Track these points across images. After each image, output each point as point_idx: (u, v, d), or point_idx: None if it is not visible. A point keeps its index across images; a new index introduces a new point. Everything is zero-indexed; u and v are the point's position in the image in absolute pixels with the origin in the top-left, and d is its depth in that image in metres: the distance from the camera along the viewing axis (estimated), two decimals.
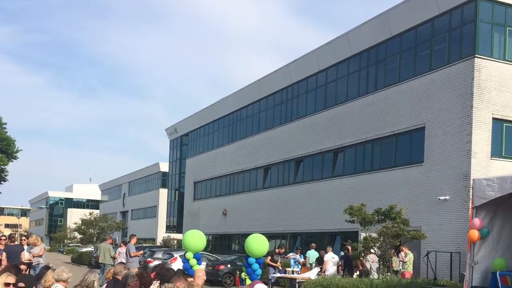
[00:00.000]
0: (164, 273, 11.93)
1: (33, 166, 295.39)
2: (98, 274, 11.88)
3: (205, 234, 22.78)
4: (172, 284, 8.88)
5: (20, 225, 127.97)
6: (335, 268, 25.94)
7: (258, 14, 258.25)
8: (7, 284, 8.45)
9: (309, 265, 29.09)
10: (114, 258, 26.45)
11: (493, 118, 26.63)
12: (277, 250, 27.20)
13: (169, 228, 70.21)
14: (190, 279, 10.91)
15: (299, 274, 25.36)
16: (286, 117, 42.75)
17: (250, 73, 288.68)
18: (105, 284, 11.91)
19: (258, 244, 20.60)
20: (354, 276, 23.64)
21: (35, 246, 20.49)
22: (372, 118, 32.79)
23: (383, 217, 24.50)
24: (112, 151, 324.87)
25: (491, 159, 26.44)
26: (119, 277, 11.10)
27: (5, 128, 65.17)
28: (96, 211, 73.02)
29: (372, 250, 25.39)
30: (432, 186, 27.81)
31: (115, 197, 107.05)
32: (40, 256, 20.43)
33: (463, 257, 23.99)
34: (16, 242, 20.59)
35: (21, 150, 67.26)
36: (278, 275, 25.10)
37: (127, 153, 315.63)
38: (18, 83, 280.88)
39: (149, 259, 35.75)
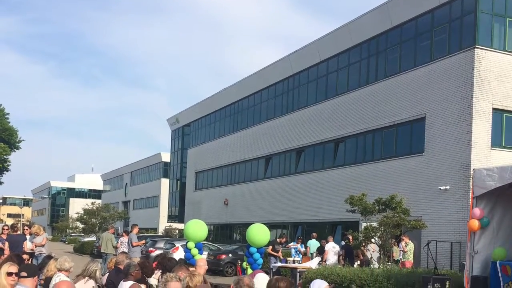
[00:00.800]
0: (166, 263, 12.04)
1: (36, 156, 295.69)
2: (100, 263, 11.96)
3: (206, 224, 22.94)
4: (173, 273, 8.95)
5: (23, 214, 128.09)
6: (336, 257, 26.02)
7: (259, 5, 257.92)
8: (9, 274, 8.50)
9: (310, 255, 29.18)
10: (116, 248, 26.52)
11: (493, 109, 26.70)
12: (278, 240, 27.26)
13: (170, 218, 70.35)
14: (191, 269, 10.98)
15: (300, 263, 25.40)
16: (287, 108, 42.81)
17: (252, 64, 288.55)
18: (107, 274, 11.98)
19: (259, 233, 20.74)
20: (355, 265, 23.68)
21: (38, 235, 20.57)
22: (373, 109, 32.86)
23: (383, 207, 24.55)
24: (114, 141, 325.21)
25: (491, 149, 26.51)
26: (121, 267, 11.18)
27: (7, 118, 65.30)
28: (98, 201, 73.14)
29: (372, 240, 25.46)
30: (433, 176, 27.88)
31: (117, 187, 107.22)
32: (43, 245, 20.52)
33: (463, 246, 24.09)
34: (18, 232, 20.66)
35: (23, 140, 67.54)
36: (279, 264, 25.17)
37: (129, 143, 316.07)
38: (20, 73, 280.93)
39: (151, 248, 35.87)
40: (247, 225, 24.20)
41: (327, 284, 7.94)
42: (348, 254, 25.66)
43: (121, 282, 10.26)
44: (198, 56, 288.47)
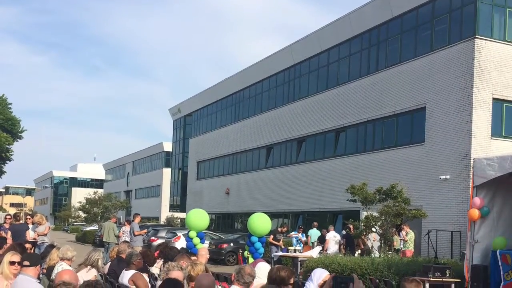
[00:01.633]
0: (168, 252, 12.12)
1: (38, 145, 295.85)
2: (103, 252, 12.06)
3: (208, 213, 23.05)
4: (175, 262, 9.04)
5: (25, 204, 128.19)
6: (336, 246, 26.12)
7: None
8: (12, 263, 8.58)
9: (311, 244, 29.28)
10: (118, 237, 26.60)
11: (493, 98, 26.75)
12: (279, 229, 27.38)
13: (172, 207, 70.54)
14: (193, 258, 11.06)
15: (301, 252, 25.53)
16: (289, 98, 42.87)
17: (253, 54, 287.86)
18: (109, 263, 12.06)
19: (260, 223, 20.85)
20: (356, 254, 23.76)
21: (40, 225, 20.63)
22: (374, 98, 32.92)
23: (384, 196, 24.60)
24: (116, 131, 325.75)
25: (491, 138, 26.57)
26: (123, 256, 11.25)
27: (10, 108, 65.35)
28: (100, 190, 73.16)
29: (373, 229, 25.53)
30: (433, 165, 27.96)
31: (119, 177, 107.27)
32: (45, 235, 20.59)
33: (463, 235, 24.16)
34: (21, 221, 20.72)
35: (26, 130, 67.53)
36: (280, 253, 25.28)
37: (131, 133, 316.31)
38: (22, 63, 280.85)
39: (153, 237, 35.98)
40: (249, 214, 24.29)
41: (328, 273, 7.99)
42: (349, 243, 25.76)
43: (123, 271, 10.33)
44: (199, 47, 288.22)
